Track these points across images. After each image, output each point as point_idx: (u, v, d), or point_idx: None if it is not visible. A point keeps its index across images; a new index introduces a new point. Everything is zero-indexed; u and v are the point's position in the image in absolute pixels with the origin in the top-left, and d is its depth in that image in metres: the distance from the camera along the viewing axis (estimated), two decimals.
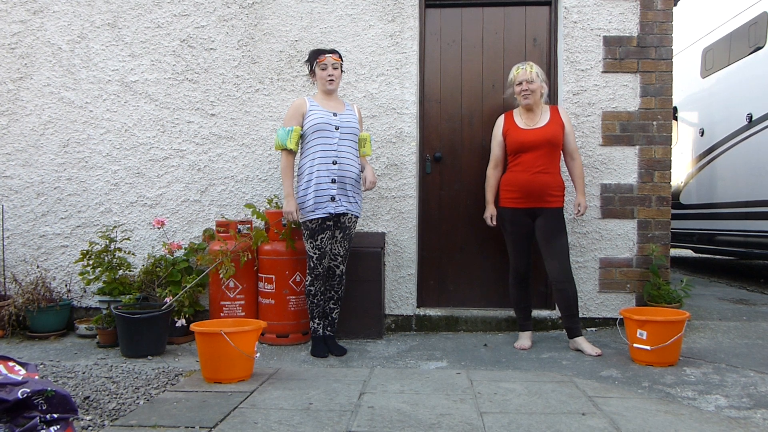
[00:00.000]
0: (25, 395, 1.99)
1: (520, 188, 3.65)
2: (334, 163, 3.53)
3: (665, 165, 4.18)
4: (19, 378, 2.09)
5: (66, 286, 4.42)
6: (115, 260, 4.09)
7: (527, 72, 3.64)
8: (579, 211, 3.77)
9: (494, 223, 3.82)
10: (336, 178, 3.53)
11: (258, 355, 3.09)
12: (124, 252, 4.18)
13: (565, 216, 3.75)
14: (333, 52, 3.64)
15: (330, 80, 3.60)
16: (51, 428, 1.99)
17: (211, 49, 4.41)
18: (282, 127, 3.61)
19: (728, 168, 6.10)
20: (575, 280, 3.76)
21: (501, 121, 3.82)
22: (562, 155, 3.77)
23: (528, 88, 3.63)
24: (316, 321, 3.68)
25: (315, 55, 3.63)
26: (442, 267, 4.43)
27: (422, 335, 4.19)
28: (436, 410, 2.54)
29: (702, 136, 6.66)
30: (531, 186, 3.62)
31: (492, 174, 3.84)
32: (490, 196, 3.84)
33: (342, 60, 3.71)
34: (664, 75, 4.18)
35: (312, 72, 3.67)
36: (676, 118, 7.24)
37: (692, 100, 7.01)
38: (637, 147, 4.19)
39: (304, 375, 3.13)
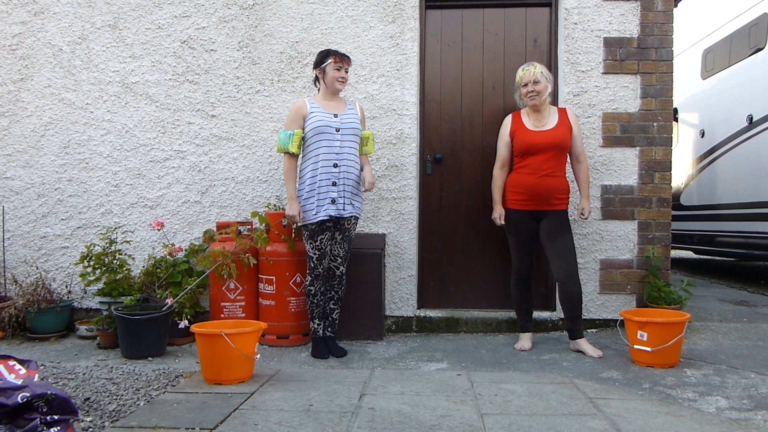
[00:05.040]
0: (25, 399, 1.99)
1: (526, 191, 3.64)
2: (335, 165, 3.53)
3: (666, 166, 4.18)
4: (19, 382, 2.09)
5: (66, 287, 4.42)
6: (115, 261, 4.10)
7: (533, 73, 3.62)
8: (583, 215, 3.77)
9: (503, 222, 3.79)
10: (337, 180, 3.53)
11: (258, 356, 3.09)
12: (125, 253, 4.18)
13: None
14: (348, 57, 3.65)
15: (341, 80, 3.60)
16: (51, 429, 1.99)
17: (212, 50, 4.41)
18: (283, 129, 3.60)
19: (729, 169, 6.10)
20: None
21: (508, 120, 3.79)
22: (567, 158, 3.77)
23: (534, 89, 3.61)
24: (316, 321, 3.69)
25: (329, 54, 3.58)
26: (443, 268, 4.42)
27: (423, 336, 4.19)
28: (437, 411, 2.54)
29: (702, 137, 6.66)
30: (538, 189, 3.62)
31: (499, 174, 3.80)
32: (497, 196, 3.80)
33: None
34: (665, 76, 4.18)
35: (321, 70, 3.62)
36: (676, 120, 7.24)
37: (693, 101, 7.02)
38: (638, 148, 4.19)
39: (305, 376, 3.13)
